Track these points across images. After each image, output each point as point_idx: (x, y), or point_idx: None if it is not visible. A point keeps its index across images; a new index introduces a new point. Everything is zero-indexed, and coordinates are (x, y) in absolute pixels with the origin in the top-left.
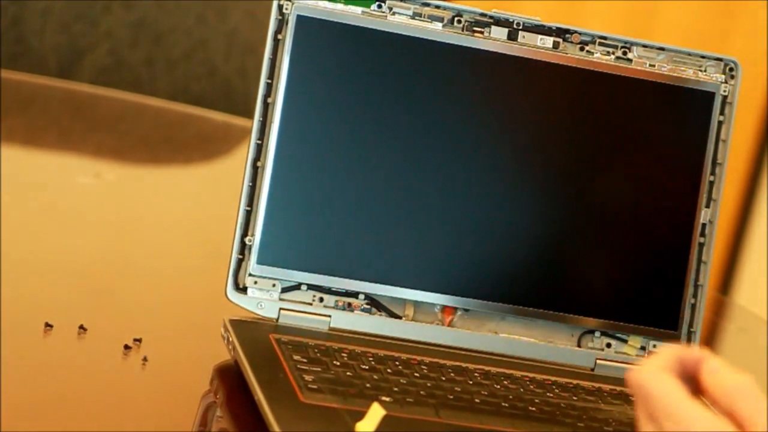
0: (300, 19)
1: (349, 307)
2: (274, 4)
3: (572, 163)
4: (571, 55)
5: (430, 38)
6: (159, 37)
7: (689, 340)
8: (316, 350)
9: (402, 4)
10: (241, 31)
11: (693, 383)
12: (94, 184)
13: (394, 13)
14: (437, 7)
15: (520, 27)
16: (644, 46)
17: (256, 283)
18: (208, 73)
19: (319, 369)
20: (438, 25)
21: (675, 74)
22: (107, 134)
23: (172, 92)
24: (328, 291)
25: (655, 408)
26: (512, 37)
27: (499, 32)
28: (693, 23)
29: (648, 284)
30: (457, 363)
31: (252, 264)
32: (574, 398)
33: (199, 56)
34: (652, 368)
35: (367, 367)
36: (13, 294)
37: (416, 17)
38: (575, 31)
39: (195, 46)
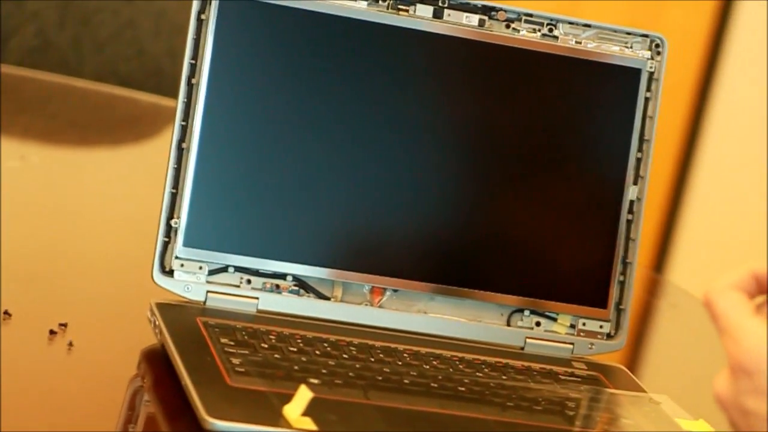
0: None
1: (277, 289)
2: None
3: (498, 142)
4: (496, 32)
5: (354, 17)
6: (86, 18)
7: (618, 317)
8: (243, 333)
9: None
10: (170, 11)
11: None
12: (20, 168)
13: None
14: None
15: (446, 5)
16: (570, 23)
17: (182, 265)
18: (136, 53)
19: (247, 352)
20: (363, 4)
21: (601, 51)
22: (34, 116)
23: (100, 73)
24: (256, 273)
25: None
26: (437, 15)
27: (425, 10)
28: (623, 2)
29: (577, 262)
30: (386, 344)
31: (178, 246)
32: (504, 377)
33: (127, 37)
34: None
35: (295, 350)
36: None
37: None
38: (501, 9)
39: (123, 27)
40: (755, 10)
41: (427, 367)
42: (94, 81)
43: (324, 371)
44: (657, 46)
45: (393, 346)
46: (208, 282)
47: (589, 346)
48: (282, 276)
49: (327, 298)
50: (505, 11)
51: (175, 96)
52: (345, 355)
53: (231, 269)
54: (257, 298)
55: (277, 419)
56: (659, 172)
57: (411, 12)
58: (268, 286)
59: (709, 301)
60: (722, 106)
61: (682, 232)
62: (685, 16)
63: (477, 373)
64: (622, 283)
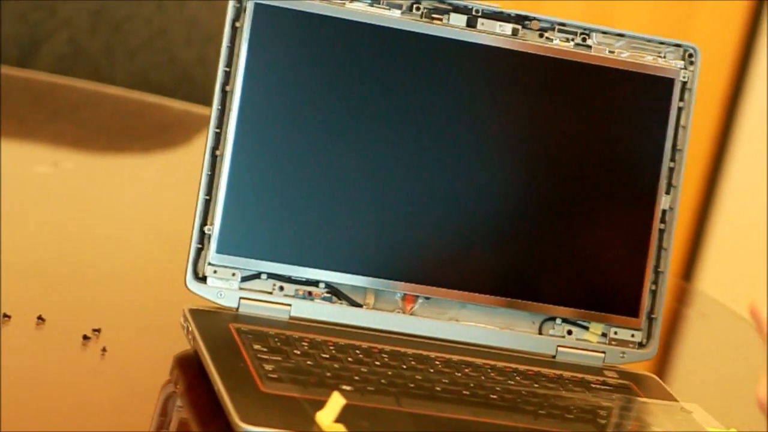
0: (258, 6)
1: (310, 296)
2: None
3: (533, 151)
4: (530, 41)
5: (388, 25)
6: (118, 26)
7: (650, 326)
8: (276, 339)
9: None
10: (201, 20)
11: None
12: (53, 174)
13: (352, 0)
14: None
15: (479, 14)
16: (603, 32)
17: (215, 272)
18: (167, 61)
19: (280, 358)
20: (396, 12)
21: (634, 60)
22: (66, 123)
23: (131, 81)
24: (289, 280)
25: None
26: (471, 24)
27: (458, 19)
28: (654, 8)
29: (609, 271)
30: (418, 351)
31: (211, 253)
32: (536, 385)
33: (159, 45)
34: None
35: (327, 356)
36: None
37: (375, 4)
38: (534, 18)
39: (154, 35)
40: None
41: (459, 374)
42: (125, 88)
43: (356, 378)
44: (690, 55)
45: (425, 353)
46: (240, 288)
47: (621, 354)
48: (314, 283)
49: (359, 305)
50: (539, 20)
51: (206, 104)
52: (377, 362)
53: (264, 276)
54: (290, 305)
55: (310, 426)
56: (689, 181)
57: (444, 21)
58: (301, 293)
59: (754, 309)
60: (752, 115)
61: (711, 240)
62: (715, 23)
63: (509, 381)
64: (653, 292)
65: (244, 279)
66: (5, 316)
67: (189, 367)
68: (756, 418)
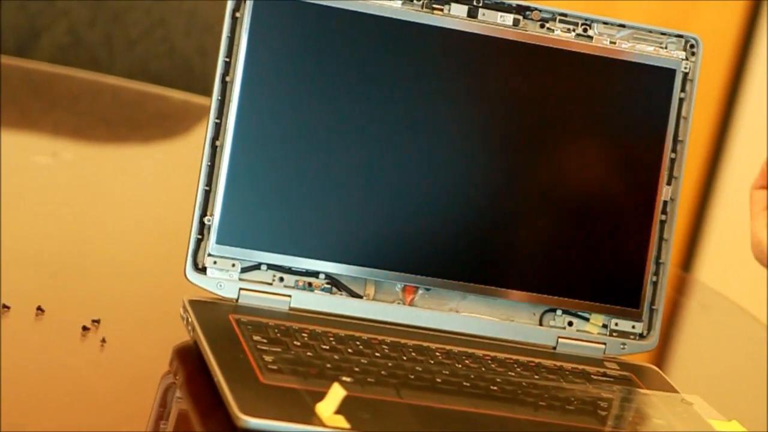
0: None
1: (310, 287)
2: None
3: (533, 141)
4: (531, 32)
5: (388, 15)
6: (117, 16)
7: (651, 317)
8: (276, 330)
9: None
10: (201, 9)
11: None
12: (52, 164)
13: None
14: None
15: (480, 4)
16: (605, 23)
17: (215, 263)
18: (167, 51)
19: (279, 349)
20: (397, 2)
21: (635, 51)
22: (65, 113)
23: (131, 71)
24: (288, 271)
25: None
26: (472, 14)
27: (459, 9)
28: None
29: (610, 262)
30: (419, 342)
31: (211, 244)
32: (536, 377)
33: (158, 34)
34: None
35: (327, 347)
36: None
37: None
38: (535, 8)
39: (154, 25)
40: None
41: (460, 366)
42: (125, 78)
43: (356, 369)
44: (692, 46)
45: (425, 344)
46: (240, 279)
47: (622, 346)
48: (314, 274)
49: (359, 296)
50: (540, 11)
51: (205, 94)
52: (377, 354)
53: (264, 267)
54: (290, 296)
55: (310, 417)
56: (689, 172)
57: (445, 11)
58: (301, 283)
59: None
60: (751, 106)
61: (712, 231)
62: (715, 15)
63: (509, 373)
64: (654, 284)
65: (244, 270)
66: (5, 306)
67: (188, 358)
68: (756, 410)
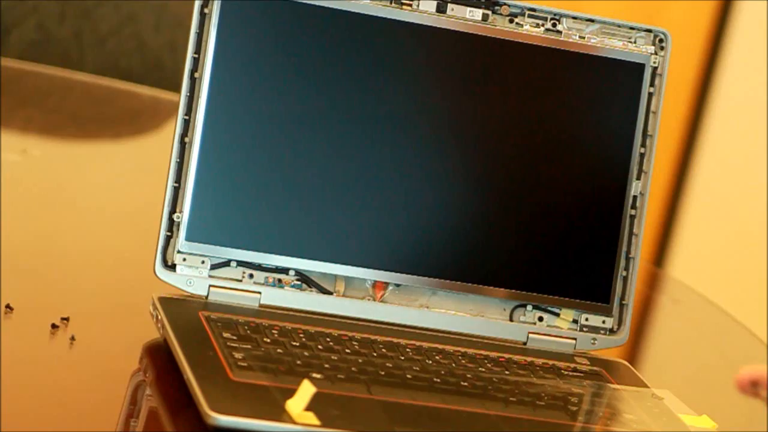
0: None
1: (280, 284)
2: None
3: (502, 137)
4: (500, 27)
5: (357, 11)
6: (87, 12)
7: (621, 312)
8: (246, 327)
9: None
10: (170, 6)
11: None
12: (21, 161)
13: None
14: None
15: (449, 0)
16: (574, 17)
17: (185, 260)
18: (136, 47)
19: (249, 346)
20: None
21: (604, 46)
22: (35, 110)
23: (101, 67)
24: (258, 267)
25: None
26: (441, 9)
27: (428, 5)
28: None
29: (579, 257)
30: (389, 339)
31: (180, 241)
32: (507, 372)
33: (128, 31)
34: None
35: (297, 344)
36: None
37: None
38: (504, 3)
39: (123, 21)
40: (756, 6)
41: (430, 362)
42: (94, 75)
43: (326, 366)
44: (661, 41)
45: (395, 340)
46: (210, 276)
47: (592, 341)
48: (284, 270)
49: (329, 293)
50: (509, 6)
51: (176, 90)
52: (347, 350)
53: (233, 263)
54: (260, 293)
55: (280, 414)
56: (660, 167)
57: (414, 6)
58: (271, 280)
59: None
60: (722, 102)
61: (683, 226)
62: (685, 12)
63: (479, 368)
64: (624, 279)
65: (214, 267)
66: None
67: (158, 355)
68: (727, 404)
